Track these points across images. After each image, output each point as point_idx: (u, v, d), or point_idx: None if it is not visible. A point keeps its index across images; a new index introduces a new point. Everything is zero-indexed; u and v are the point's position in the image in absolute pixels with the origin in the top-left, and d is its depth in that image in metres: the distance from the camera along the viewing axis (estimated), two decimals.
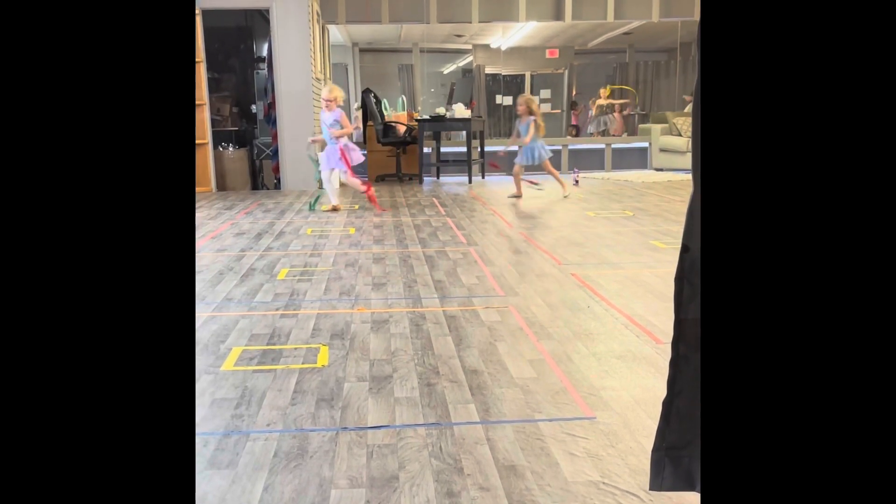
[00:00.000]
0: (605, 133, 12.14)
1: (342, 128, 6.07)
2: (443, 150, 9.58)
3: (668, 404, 1.37)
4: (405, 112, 9.57)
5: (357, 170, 6.61)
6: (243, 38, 9.54)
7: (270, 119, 8.18)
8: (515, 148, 7.03)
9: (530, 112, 6.71)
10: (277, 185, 8.24)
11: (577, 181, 8.20)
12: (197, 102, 7.48)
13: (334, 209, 6.13)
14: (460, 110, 8.73)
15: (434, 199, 7.06)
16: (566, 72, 14.33)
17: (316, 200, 6.38)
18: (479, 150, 9.13)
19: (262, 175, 8.85)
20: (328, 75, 9.72)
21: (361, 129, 9.25)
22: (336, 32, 10.27)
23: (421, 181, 8.79)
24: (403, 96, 10.24)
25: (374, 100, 8.94)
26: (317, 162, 6.35)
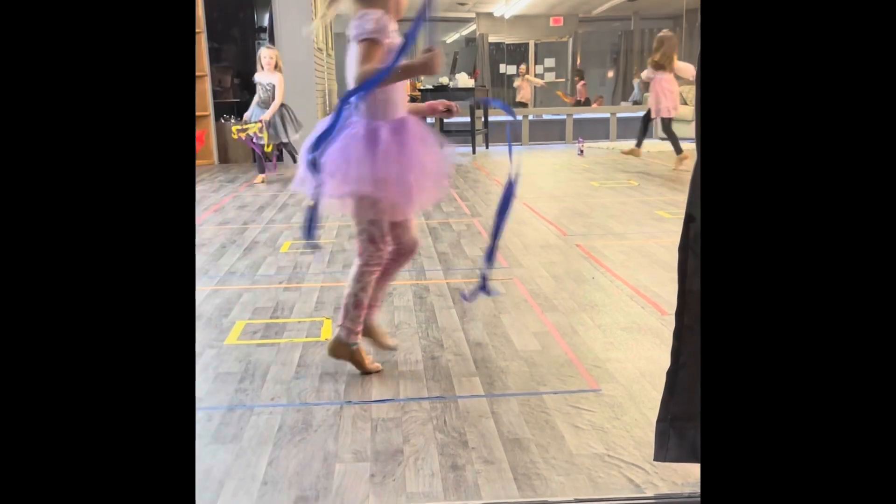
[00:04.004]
0: None
1: None
2: (446, 120, 9.50)
3: (672, 375, 1.37)
4: (408, 82, 9.49)
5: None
6: (244, 7, 9.44)
7: None
8: None
9: None
10: (280, 158, 8.20)
11: (581, 151, 8.15)
12: (197, 73, 7.41)
13: None
14: (463, 80, 8.65)
15: None
16: (570, 40, 14.17)
17: None
18: (482, 120, 9.06)
19: None
20: (330, 45, 9.63)
21: None
22: None
23: None
24: None
25: None
26: None
